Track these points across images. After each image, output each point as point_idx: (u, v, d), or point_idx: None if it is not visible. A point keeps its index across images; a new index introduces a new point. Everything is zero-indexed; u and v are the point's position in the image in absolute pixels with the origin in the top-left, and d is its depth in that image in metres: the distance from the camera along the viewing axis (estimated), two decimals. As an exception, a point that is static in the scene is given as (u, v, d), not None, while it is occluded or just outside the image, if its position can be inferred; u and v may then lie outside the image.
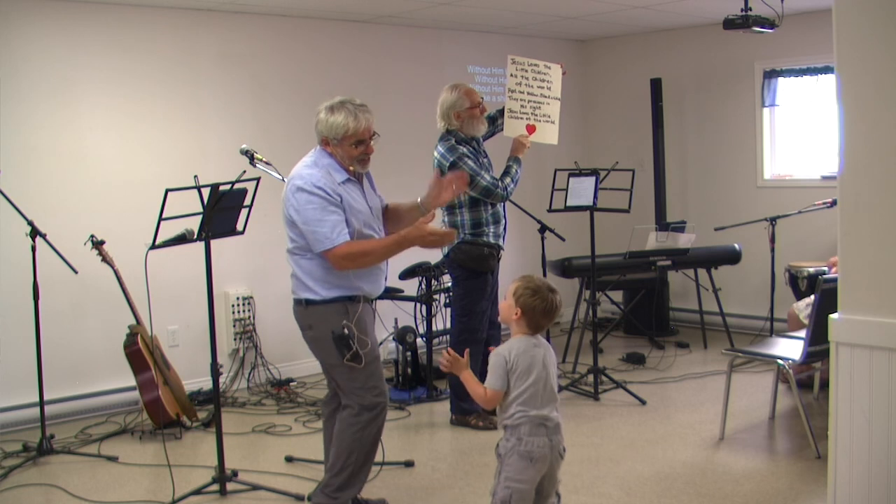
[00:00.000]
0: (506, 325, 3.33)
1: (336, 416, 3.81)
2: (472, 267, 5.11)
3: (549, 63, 5.44)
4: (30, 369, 4.93)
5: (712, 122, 7.66)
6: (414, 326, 6.18)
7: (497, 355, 3.14)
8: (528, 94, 5.36)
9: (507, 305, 3.20)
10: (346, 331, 3.60)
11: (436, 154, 5.08)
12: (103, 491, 4.38)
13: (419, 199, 3.91)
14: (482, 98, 5.21)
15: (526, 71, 5.36)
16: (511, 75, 5.33)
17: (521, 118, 5.34)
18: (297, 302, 3.75)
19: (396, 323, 6.33)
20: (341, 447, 3.72)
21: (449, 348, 3.30)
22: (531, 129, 5.35)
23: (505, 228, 5.25)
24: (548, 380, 3.14)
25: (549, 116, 5.41)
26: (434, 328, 6.00)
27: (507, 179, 5.12)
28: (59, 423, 5.36)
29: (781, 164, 7.40)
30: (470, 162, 4.99)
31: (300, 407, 5.75)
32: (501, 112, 5.40)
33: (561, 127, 5.52)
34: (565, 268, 6.88)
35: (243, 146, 4.59)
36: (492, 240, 5.14)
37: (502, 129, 5.38)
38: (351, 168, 3.69)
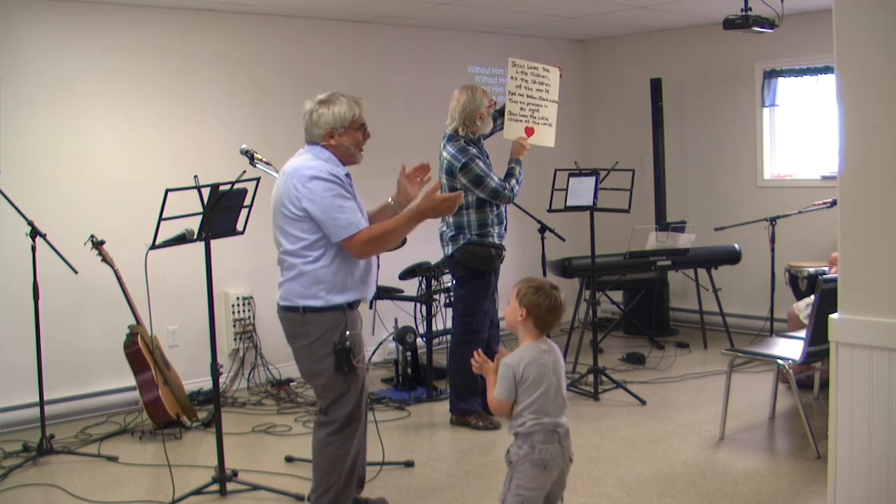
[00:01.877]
0: (511, 331, 3.21)
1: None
2: (476, 267, 5.11)
3: (547, 66, 5.46)
4: (30, 369, 4.93)
5: (712, 122, 7.66)
6: (414, 326, 6.18)
7: (506, 366, 3.04)
8: (528, 96, 5.37)
9: (511, 308, 3.10)
10: (348, 343, 3.49)
11: (445, 155, 5.08)
12: (103, 491, 4.38)
13: (390, 200, 3.86)
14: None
15: (526, 74, 5.37)
16: (511, 78, 5.34)
17: (521, 121, 5.35)
18: (291, 309, 3.56)
19: (396, 323, 6.32)
20: (323, 467, 3.61)
21: (478, 350, 3.21)
22: (529, 131, 5.36)
23: (506, 229, 5.26)
24: (559, 387, 3.07)
25: (546, 119, 5.42)
26: (434, 328, 6.00)
27: (513, 181, 5.14)
28: (59, 423, 5.36)
29: (781, 164, 7.40)
30: (480, 163, 5.02)
31: (300, 407, 5.75)
32: (500, 112, 5.41)
33: (559, 128, 5.53)
34: (565, 268, 6.87)
35: (243, 146, 4.58)
36: (496, 240, 5.16)
37: (500, 129, 5.40)
38: (355, 157, 3.63)
